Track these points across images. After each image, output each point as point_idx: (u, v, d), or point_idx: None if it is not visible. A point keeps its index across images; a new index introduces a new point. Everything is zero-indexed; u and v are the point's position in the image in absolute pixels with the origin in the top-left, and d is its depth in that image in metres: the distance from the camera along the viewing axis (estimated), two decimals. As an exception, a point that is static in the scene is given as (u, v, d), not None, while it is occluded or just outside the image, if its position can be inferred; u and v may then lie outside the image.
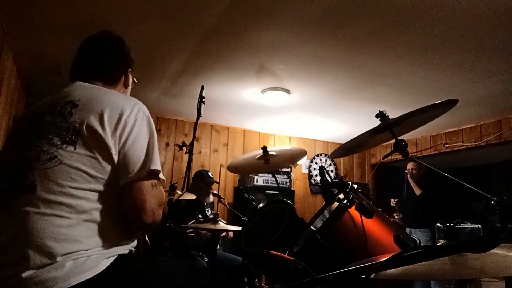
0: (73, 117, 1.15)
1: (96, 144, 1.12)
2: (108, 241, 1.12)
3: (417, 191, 4.55)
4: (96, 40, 1.43)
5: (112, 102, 1.20)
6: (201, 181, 3.74)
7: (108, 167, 1.13)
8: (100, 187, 1.12)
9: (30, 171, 1.09)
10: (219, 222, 2.58)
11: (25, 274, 0.99)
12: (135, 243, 1.25)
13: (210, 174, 3.87)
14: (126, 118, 1.16)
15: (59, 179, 1.08)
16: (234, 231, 3.26)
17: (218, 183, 3.77)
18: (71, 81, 1.33)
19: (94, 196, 1.11)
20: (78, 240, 1.06)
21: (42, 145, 1.12)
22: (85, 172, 1.10)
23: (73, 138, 1.12)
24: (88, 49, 1.41)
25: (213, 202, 4.10)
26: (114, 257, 1.11)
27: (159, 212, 1.19)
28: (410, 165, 4.61)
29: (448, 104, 1.36)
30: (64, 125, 1.14)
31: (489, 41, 2.86)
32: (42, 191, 1.07)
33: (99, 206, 1.12)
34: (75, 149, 1.11)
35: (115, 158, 1.14)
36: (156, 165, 1.18)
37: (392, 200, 4.76)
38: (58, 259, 1.02)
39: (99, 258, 1.07)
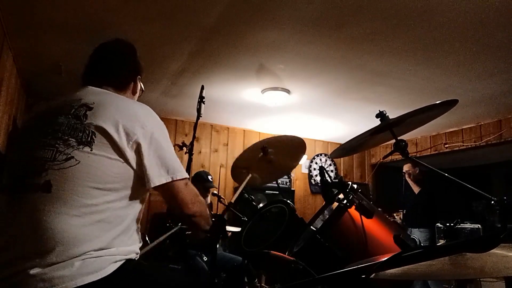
0: (88, 119, 1.16)
1: (112, 147, 1.14)
2: (118, 243, 1.13)
3: (416, 190, 4.55)
4: (108, 47, 1.46)
5: (126, 108, 1.22)
6: (200, 184, 3.70)
7: (125, 169, 1.15)
8: (117, 188, 1.14)
9: (45, 170, 1.10)
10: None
11: (33, 271, 1.00)
12: (141, 243, 1.27)
13: (210, 178, 3.81)
14: (143, 126, 1.19)
15: (75, 179, 1.09)
16: (233, 232, 3.25)
17: (217, 188, 3.72)
18: (82, 85, 1.35)
19: (110, 197, 1.13)
20: (89, 240, 1.07)
21: (58, 146, 1.13)
22: (103, 172, 1.12)
23: (89, 139, 1.13)
24: (100, 55, 1.44)
25: (211, 203, 4.10)
26: (122, 262, 1.13)
27: (198, 200, 1.29)
28: (406, 167, 4.63)
29: (448, 104, 1.37)
30: (79, 127, 1.15)
31: (489, 41, 2.85)
32: (57, 190, 1.08)
33: (113, 207, 1.14)
34: (91, 150, 1.12)
35: (133, 162, 1.16)
36: (184, 172, 1.26)
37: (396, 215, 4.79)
38: (67, 258, 1.03)
39: (107, 261, 1.09)
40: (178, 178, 1.23)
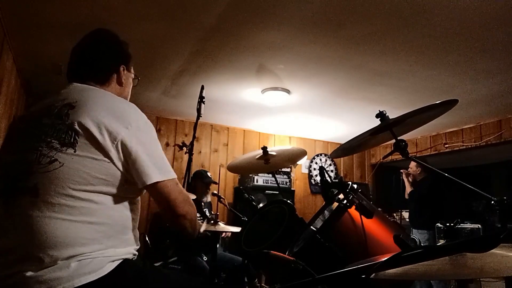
0: (70, 118, 1.13)
1: (95, 147, 1.11)
2: (113, 244, 1.12)
3: (408, 190, 4.53)
4: (85, 39, 1.41)
5: (110, 107, 1.18)
6: (200, 181, 3.76)
7: (111, 169, 1.12)
8: (104, 189, 1.12)
9: (31, 174, 1.08)
10: (219, 223, 2.58)
11: (29, 273, 1.00)
12: (138, 246, 1.26)
13: (209, 174, 3.87)
14: (128, 126, 1.15)
15: (61, 182, 1.07)
16: (233, 232, 3.25)
17: (217, 183, 3.76)
18: (68, 82, 1.32)
19: (99, 197, 1.11)
20: (83, 243, 1.06)
21: (41, 149, 1.11)
22: (88, 174, 1.09)
23: (72, 140, 1.10)
24: (77, 49, 1.39)
25: (210, 202, 4.10)
26: (119, 261, 1.12)
27: (190, 202, 1.25)
28: (410, 166, 4.60)
29: (448, 104, 1.37)
30: (62, 127, 1.12)
31: (489, 41, 2.85)
32: (44, 194, 1.06)
33: (103, 208, 1.12)
34: (75, 152, 1.09)
35: (118, 163, 1.13)
36: (173, 172, 1.23)
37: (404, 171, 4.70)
38: (62, 260, 1.02)
39: (103, 261, 1.08)
40: (170, 177, 1.20)
